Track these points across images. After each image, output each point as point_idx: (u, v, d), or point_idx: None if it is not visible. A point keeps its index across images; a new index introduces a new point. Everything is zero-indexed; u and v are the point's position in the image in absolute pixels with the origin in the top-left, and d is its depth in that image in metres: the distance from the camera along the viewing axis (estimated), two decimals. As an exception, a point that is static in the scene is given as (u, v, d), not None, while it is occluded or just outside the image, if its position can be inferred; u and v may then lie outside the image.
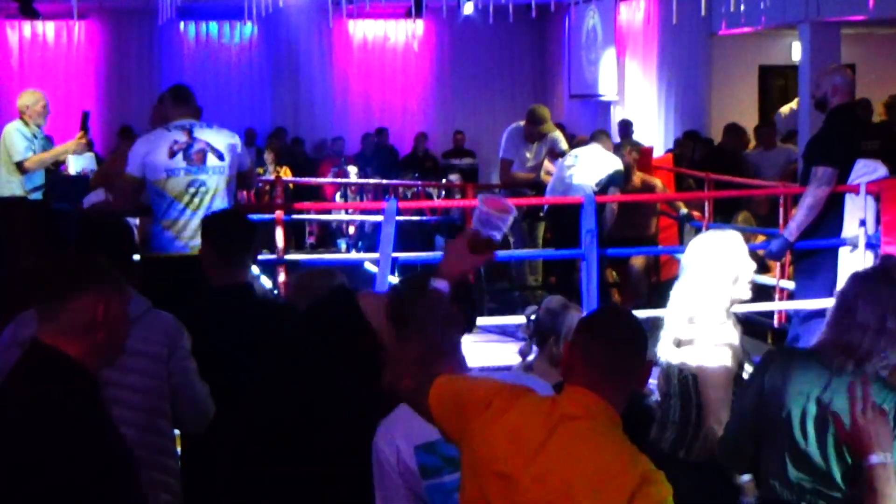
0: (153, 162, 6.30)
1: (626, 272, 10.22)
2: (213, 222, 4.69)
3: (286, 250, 8.99)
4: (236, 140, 6.66)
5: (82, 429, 2.82)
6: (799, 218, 7.44)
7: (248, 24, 19.13)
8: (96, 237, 4.26)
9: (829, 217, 7.43)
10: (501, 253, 10.85)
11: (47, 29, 19.41)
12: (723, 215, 10.83)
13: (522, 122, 10.75)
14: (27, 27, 19.27)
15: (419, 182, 14.66)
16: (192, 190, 6.29)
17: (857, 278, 3.68)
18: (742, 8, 13.21)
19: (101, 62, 19.61)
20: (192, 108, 6.60)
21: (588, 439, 2.80)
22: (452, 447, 2.99)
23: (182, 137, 6.33)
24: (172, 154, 6.30)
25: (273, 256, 8.75)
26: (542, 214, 10.63)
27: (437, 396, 2.98)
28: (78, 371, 2.91)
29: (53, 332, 2.92)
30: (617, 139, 12.77)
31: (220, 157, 6.38)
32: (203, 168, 6.32)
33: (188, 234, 6.25)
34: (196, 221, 6.14)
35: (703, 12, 13.83)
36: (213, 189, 6.34)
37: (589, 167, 9.66)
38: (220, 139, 6.47)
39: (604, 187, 9.59)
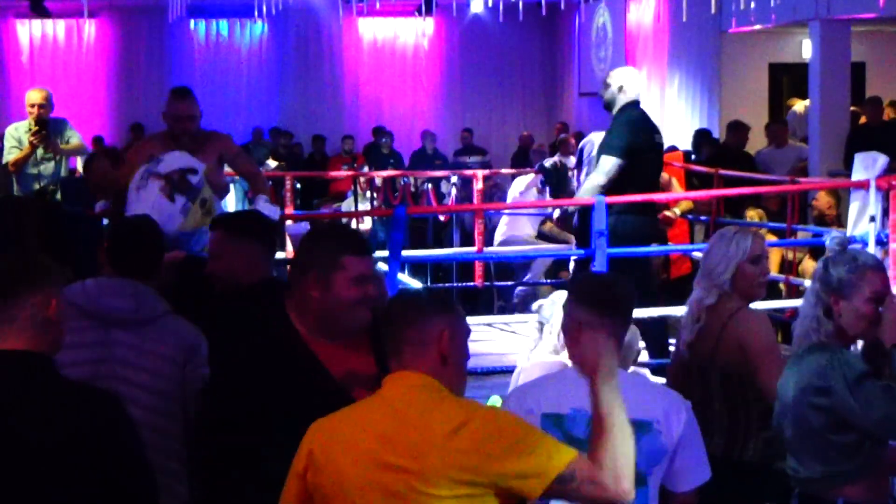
0: (164, 220, 5.79)
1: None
2: (254, 220, 4.70)
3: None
4: (178, 153, 6.42)
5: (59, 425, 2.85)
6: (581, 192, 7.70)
7: (259, 22, 19.17)
8: (127, 240, 4.26)
9: (631, 221, 7.55)
10: (510, 251, 10.87)
11: (58, 27, 19.45)
12: (732, 212, 10.82)
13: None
14: (38, 26, 19.31)
15: (427, 172, 14.64)
16: (203, 209, 6.25)
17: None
18: (752, 6, 13.20)
19: (112, 60, 19.65)
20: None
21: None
22: (580, 425, 2.97)
23: (158, 180, 6.09)
24: (172, 198, 6.07)
25: (283, 255, 8.78)
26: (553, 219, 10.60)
27: None
28: (40, 363, 2.94)
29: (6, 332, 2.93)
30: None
31: (192, 169, 6.23)
32: (194, 188, 6.22)
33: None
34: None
35: (713, 10, 13.82)
36: (210, 195, 6.30)
37: None
38: (172, 160, 6.23)
39: None
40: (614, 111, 7.66)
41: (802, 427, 3.70)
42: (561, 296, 5.09)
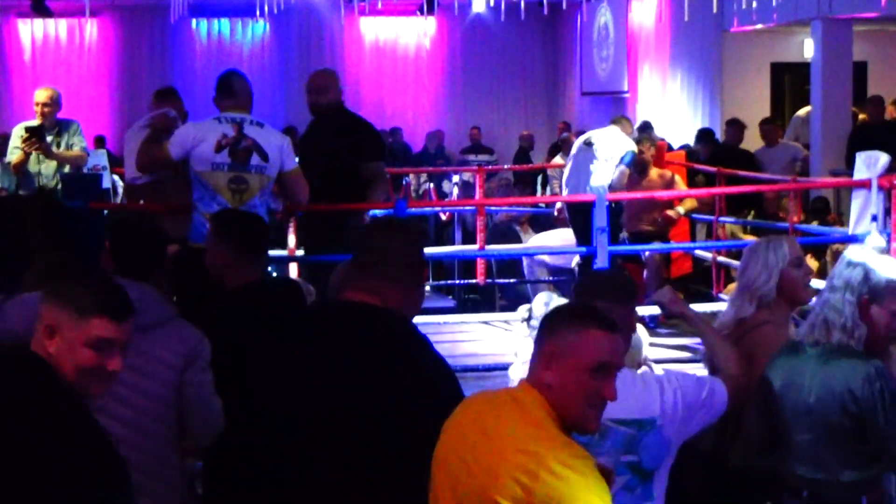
0: (200, 153, 6.28)
1: (638, 269, 10.19)
2: (236, 223, 4.70)
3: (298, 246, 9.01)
4: (285, 141, 6.61)
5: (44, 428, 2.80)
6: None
7: (261, 21, 19.18)
8: (128, 239, 4.25)
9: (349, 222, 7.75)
10: (511, 248, 10.88)
11: (60, 27, 19.48)
12: (734, 212, 10.83)
13: None
14: (40, 25, 19.34)
15: (430, 169, 14.64)
16: (233, 186, 6.28)
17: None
18: (754, 5, 13.22)
19: (114, 60, 19.68)
20: (243, 99, 6.56)
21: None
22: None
23: (231, 132, 6.32)
24: (220, 148, 6.27)
25: (284, 253, 8.79)
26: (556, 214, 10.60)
27: None
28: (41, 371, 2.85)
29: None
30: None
31: (265, 156, 6.37)
32: (247, 166, 6.32)
33: None
34: None
35: (714, 9, 13.83)
36: (255, 188, 6.35)
37: (605, 163, 9.58)
38: (267, 138, 6.44)
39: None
40: (332, 112, 7.61)
41: (828, 431, 3.69)
42: (542, 299, 5.10)
